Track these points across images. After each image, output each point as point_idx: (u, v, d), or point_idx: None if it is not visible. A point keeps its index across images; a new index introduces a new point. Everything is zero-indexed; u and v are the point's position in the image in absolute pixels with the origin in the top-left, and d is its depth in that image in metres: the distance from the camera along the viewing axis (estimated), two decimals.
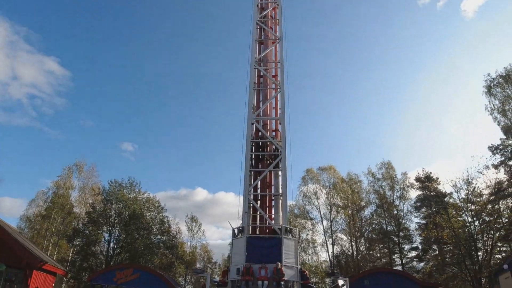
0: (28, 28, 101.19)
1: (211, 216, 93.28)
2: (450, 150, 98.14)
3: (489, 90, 36.89)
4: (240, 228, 17.29)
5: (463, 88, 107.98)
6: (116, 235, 39.81)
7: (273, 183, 19.51)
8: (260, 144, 20.09)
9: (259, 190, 19.61)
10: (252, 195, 18.82)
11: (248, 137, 19.64)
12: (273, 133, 20.70)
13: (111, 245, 39.48)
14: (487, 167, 33.19)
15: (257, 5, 22.78)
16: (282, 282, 14.88)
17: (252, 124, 20.18)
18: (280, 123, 20.30)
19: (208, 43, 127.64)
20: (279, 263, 15.27)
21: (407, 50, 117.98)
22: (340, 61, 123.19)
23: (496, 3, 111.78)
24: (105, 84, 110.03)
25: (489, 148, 34.86)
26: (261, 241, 16.42)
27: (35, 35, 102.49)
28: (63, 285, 38.28)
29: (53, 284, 22.86)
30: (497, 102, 36.92)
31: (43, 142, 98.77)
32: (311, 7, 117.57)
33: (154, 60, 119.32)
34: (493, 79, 36.73)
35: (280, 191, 18.62)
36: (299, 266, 16.68)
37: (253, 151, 19.83)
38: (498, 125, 36.77)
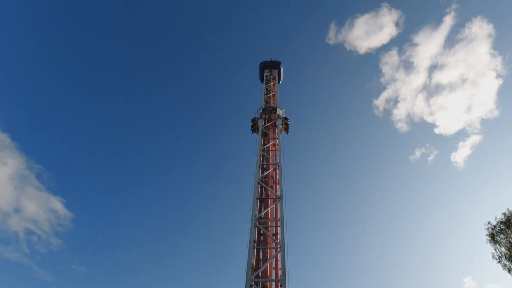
0: (42, 166, 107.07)
1: None
2: None
3: (492, 238, 36.54)
4: None
5: (466, 237, 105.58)
6: None
7: None
8: None
9: None
10: None
11: None
12: None
13: None
14: None
15: (259, 166, 24.58)
16: None
17: (251, 286, 19.64)
18: (280, 286, 19.76)
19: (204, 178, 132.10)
20: None
21: (403, 205, 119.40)
22: (335, 216, 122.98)
23: (481, 151, 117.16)
24: (105, 232, 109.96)
25: None
26: None
27: (47, 174, 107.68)
28: None
29: None
30: (503, 249, 36.14)
31: (30, 280, 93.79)
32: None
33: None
34: (494, 226, 36.80)
35: None
36: None
37: None
38: (509, 272, 35.23)
